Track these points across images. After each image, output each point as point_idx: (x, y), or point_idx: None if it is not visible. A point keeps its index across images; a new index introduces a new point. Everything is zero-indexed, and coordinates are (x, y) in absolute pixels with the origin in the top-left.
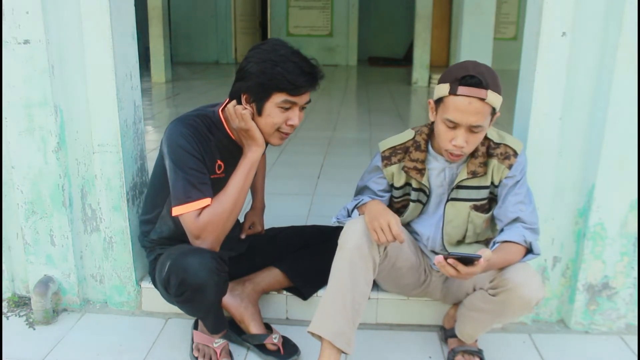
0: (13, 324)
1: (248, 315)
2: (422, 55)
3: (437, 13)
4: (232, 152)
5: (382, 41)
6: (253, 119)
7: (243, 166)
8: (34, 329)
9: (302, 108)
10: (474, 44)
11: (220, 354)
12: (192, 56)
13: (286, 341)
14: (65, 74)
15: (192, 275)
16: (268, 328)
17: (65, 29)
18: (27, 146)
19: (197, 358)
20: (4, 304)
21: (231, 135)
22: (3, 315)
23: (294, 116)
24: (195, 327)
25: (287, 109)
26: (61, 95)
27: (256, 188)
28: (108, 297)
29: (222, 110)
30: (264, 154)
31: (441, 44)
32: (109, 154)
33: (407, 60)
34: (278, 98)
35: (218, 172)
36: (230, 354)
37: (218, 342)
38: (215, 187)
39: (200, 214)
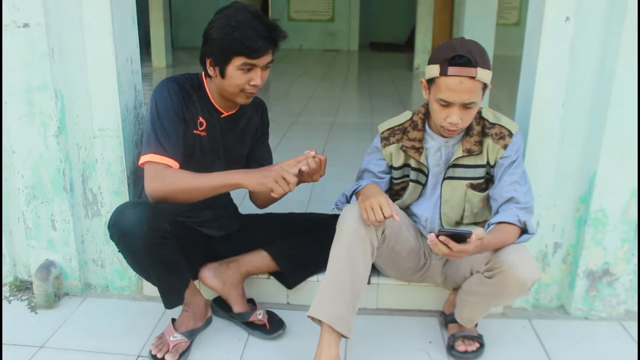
0: (15, 308)
1: (231, 297)
2: (424, 40)
3: None
4: (212, 113)
5: (384, 26)
6: (218, 81)
7: (229, 175)
8: (36, 313)
9: (265, 67)
10: (476, 30)
11: (170, 349)
12: (193, 41)
13: (272, 316)
14: (66, 58)
15: (122, 219)
16: (253, 304)
17: (65, 13)
18: (27, 131)
19: (153, 344)
20: (6, 288)
21: (210, 98)
22: (5, 300)
23: (256, 77)
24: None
25: (248, 70)
26: (61, 79)
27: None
28: (109, 281)
29: (204, 74)
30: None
31: (443, 29)
32: (110, 139)
33: (408, 45)
34: (238, 61)
35: (200, 128)
36: (183, 354)
37: (176, 337)
38: (196, 143)
39: (163, 168)
